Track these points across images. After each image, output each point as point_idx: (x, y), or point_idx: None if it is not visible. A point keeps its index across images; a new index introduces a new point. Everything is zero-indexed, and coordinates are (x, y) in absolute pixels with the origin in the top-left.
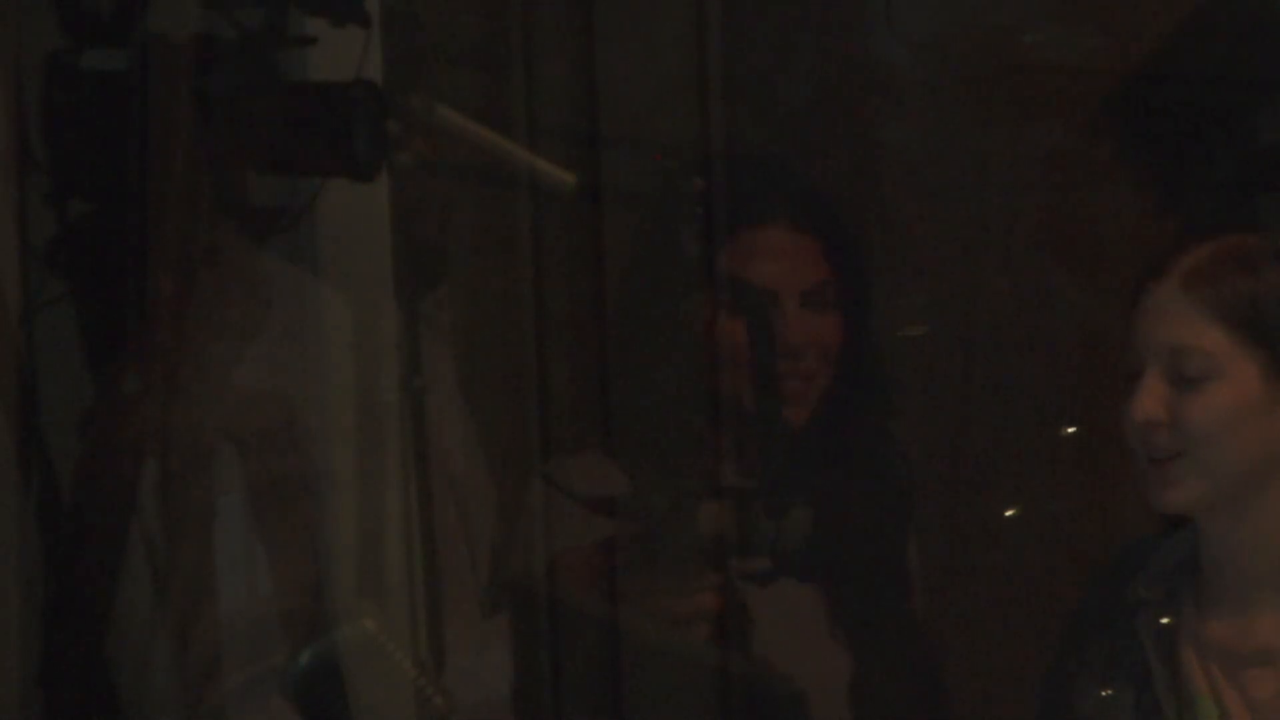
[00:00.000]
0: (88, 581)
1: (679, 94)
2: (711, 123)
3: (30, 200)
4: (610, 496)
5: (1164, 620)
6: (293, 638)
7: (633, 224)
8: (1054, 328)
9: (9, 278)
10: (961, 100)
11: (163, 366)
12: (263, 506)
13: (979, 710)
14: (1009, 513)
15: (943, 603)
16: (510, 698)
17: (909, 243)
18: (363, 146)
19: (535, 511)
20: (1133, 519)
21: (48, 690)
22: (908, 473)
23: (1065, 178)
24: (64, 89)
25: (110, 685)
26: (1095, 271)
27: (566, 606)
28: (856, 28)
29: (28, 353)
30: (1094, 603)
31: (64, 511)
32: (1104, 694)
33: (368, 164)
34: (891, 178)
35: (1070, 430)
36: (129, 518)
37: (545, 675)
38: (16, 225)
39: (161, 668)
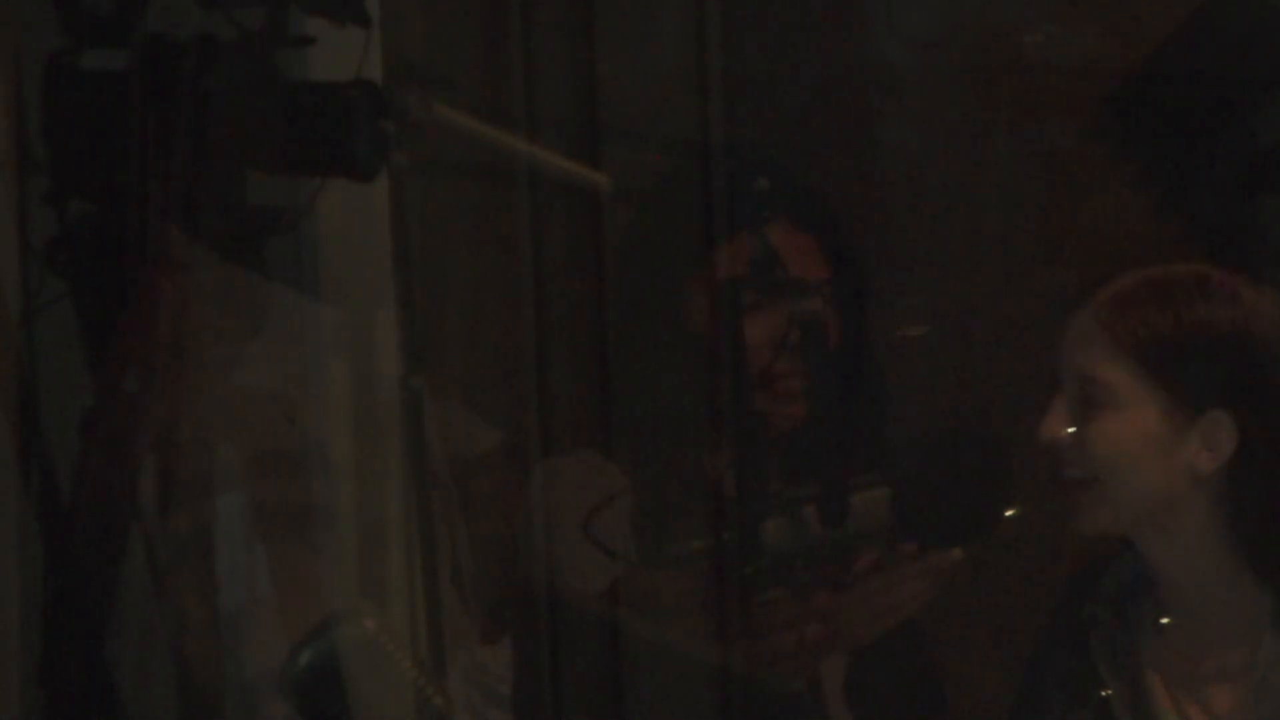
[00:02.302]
0: (88, 581)
1: (679, 92)
2: (711, 122)
3: (30, 200)
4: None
5: (1119, 640)
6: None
7: (632, 221)
8: (1053, 327)
9: (9, 278)
10: (961, 100)
11: (162, 367)
12: (263, 506)
13: (978, 711)
14: (1009, 513)
15: (941, 603)
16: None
17: (908, 242)
18: (362, 146)
19: (536, 512)
20: None
21: (48, 690)
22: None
23: (1065, 178)
24: (64, 89)
25: (110, 685)
26: (1094, 271)
27: (567, 607)
28: (856, 28)
29: (28, 353)
30: (1054, 622)
31: (64, 511)
32: (1065, 717)
33: (367, 164)
34: (891, 177)
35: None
36: (129, 518)
37: (545, 675)
38: (16, 225)
39: (161, 668)
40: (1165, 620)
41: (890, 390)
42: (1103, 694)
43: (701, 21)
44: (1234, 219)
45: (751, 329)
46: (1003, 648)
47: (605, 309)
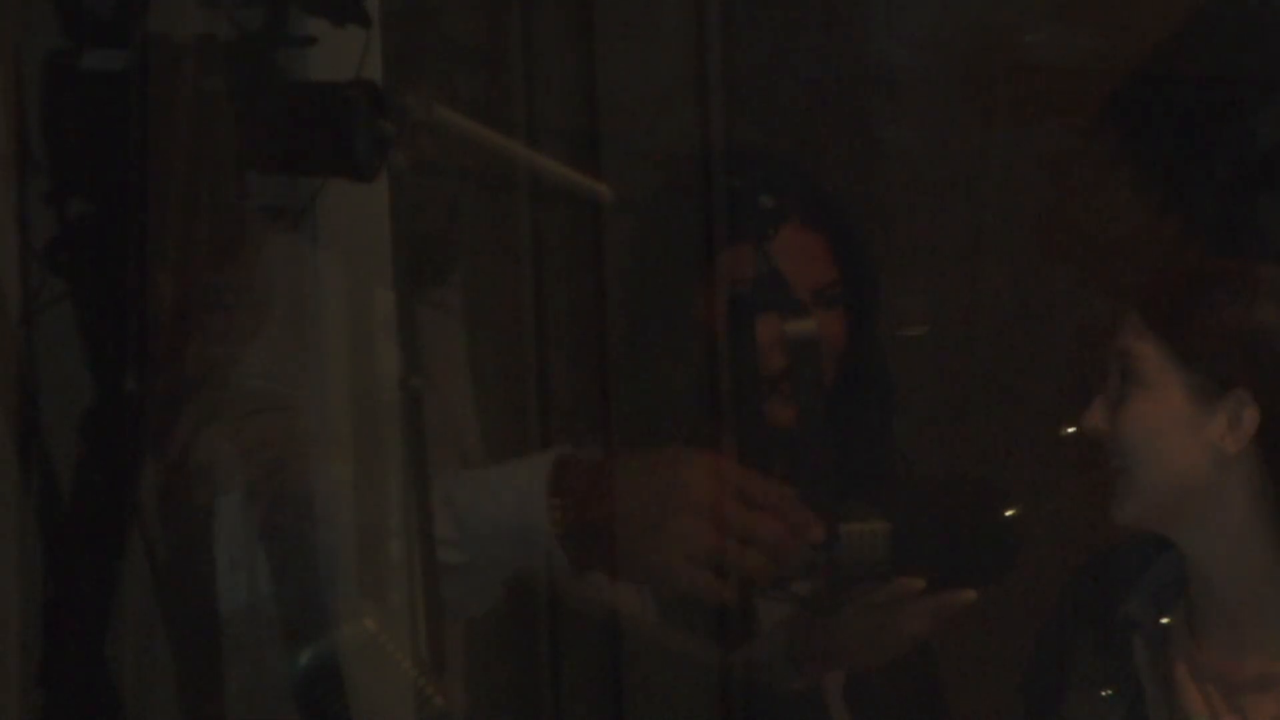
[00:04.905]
0: (88, 581)
1: (679, 94)
2: (711, 123)
3: (30, 200)
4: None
5: (1158, 645)
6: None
7: (634, 224)
8: (1054, 328)
9: (9, 278)
10: (961, 100)
11: (163, 367)
12: (263, 506)
13: (977, 711)
14: (1009, 513)
15: None
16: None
17: (908, 242)
18: (362, 146)
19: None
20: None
21: (48, 690)
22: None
23: (1065, 178)
24: (64, 89)
25: (110, 685)
26: (1095, 271)
27: (567, 607)
28: (856, 27)
29: (28, 353)
30: (1078, 615)
31: (64, 511)
32: (1096, 716)
33: (368, 164)
34: (891, 177)
35: (1070, 430)
36: (129, 518)
37: (545, 675)
38: (16, 225)
39: (161, 668)
40: (1165, 620)
41: (896, 401)
42: (1139, 699)
43: (701, 21)
44: (1234, 219)
45: (754, 343)
46: (1003, 648)
47: (606, 310)
